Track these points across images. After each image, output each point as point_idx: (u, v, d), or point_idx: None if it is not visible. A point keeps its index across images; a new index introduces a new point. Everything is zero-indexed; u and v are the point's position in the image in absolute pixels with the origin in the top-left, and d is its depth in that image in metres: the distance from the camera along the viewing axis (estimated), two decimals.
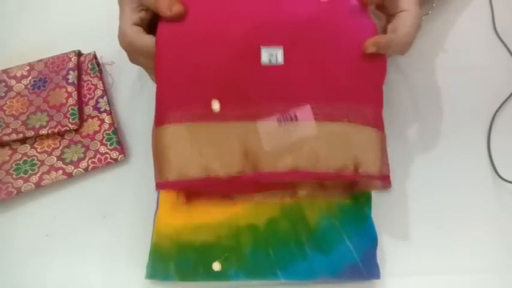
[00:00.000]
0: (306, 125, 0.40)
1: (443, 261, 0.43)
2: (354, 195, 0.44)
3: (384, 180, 0.41)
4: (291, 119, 0.40)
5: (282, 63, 0.41)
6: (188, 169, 0.40)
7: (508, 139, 0.50)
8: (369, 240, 0.42)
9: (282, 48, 0.41)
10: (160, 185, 0.41)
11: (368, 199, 0.44)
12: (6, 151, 0.48)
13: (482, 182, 0.48)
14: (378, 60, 0.42)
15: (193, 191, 0.43)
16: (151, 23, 0.44)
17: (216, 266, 0.42)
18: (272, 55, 0.41)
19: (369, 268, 0.42)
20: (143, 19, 0.43)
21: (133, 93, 0.54)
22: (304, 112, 0.40)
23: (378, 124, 0.42)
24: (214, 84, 0.41)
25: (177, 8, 0.41)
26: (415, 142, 0.50)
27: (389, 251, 0.43)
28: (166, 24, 0.42)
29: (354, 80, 0.42)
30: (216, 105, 0.40)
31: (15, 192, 0.46)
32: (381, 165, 0.41)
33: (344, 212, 0.44)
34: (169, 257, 0.42)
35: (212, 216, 0.44)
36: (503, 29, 0.57)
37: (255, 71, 0.41)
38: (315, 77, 0.41)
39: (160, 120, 0.41)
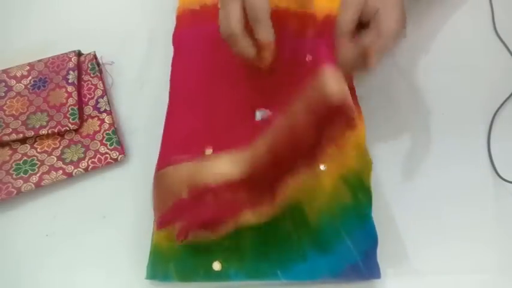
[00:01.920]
0: None
1: (443, 261, 0.43)
2: (354, 193, 0.44)
3: None
4: None
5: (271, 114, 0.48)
6: (182, 191, 0.42)
7: (508, 139, 0.50)
8: (369, 239, 0.42)
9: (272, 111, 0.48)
10: (160, 221, 0.42)
11: (368, 199, 0.44)
12: (6, 151, 0.48)
13: (482, 182, 0.48)
14: None
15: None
16: None
17: (217, 266, 0.42)
18: (264, 114, 0.48)
19: (370, 268, 0.41)
20: None
21: (133, 93, 0.54)
22: None
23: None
24: (210, 135, 0.47)
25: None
26: (415, 142, 0.50)
27: (390, 251, 0.43)
28: (177, 77, 0.51)
29: None
30: (208, 151, 0.46)
31: (15, 192, 0.46)
32: None
33: (344, 211, 0.43)
34: (169, 257, 0.42)
35: None
36: (503, 29, 0.57)
37: (248, 125, 0.47)
38: None
39: (161, 164, 0.45)
